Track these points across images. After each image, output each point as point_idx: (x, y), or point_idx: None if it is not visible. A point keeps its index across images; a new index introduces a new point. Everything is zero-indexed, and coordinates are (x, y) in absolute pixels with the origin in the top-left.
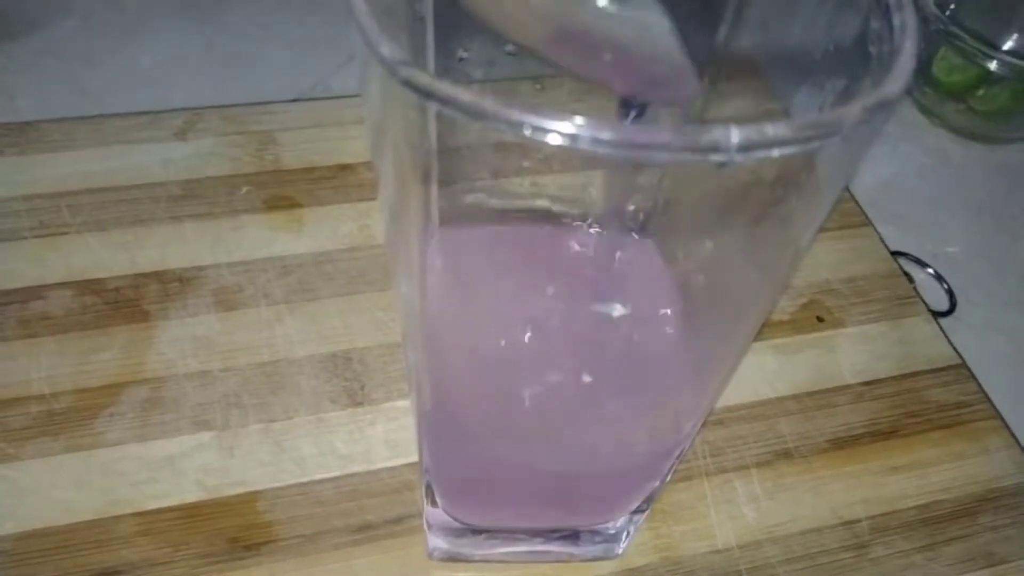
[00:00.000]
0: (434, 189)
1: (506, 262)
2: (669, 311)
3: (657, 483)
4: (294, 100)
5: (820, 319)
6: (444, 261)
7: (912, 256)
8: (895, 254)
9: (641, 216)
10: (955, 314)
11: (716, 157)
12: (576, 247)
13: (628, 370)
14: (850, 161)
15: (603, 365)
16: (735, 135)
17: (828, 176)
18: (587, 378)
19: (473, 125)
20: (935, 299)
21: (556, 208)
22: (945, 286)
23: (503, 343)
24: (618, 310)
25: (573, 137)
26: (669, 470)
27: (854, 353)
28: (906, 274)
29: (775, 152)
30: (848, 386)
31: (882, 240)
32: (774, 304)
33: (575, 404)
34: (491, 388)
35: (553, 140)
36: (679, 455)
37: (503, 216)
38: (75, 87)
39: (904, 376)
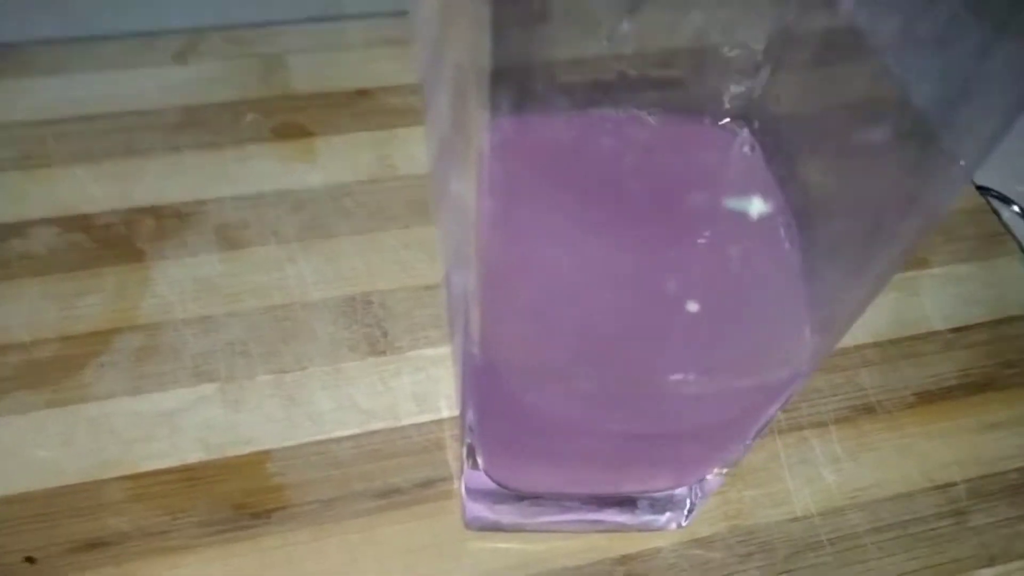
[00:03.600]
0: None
1: (583, 156)
2: (785, 226)
3: (743, 446)
4: (305, 20)
5: None
6: (507, 155)
7: (996, 192)
8: (979, 189)
9: (741, 103)
10: None
11: None
12: (670, 143)
13: (739, 300)
14: None
15: (712, 291)
16: None
17: None
18: (693, 307)
19: None
20: (1022, 239)
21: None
22: None
23: (577, 260)
24: (756, 205)
25: None
26: (762, 429)
27: (941, 296)
28: (994, 211)
29: None
30: (936, 332)
31: None
32: (922, 234)
33: (672, 342)
34: (559, 320)
35: None
36: (779, 409)
37: (577, 107)
38: (62, 8)
39: (998, 322)
